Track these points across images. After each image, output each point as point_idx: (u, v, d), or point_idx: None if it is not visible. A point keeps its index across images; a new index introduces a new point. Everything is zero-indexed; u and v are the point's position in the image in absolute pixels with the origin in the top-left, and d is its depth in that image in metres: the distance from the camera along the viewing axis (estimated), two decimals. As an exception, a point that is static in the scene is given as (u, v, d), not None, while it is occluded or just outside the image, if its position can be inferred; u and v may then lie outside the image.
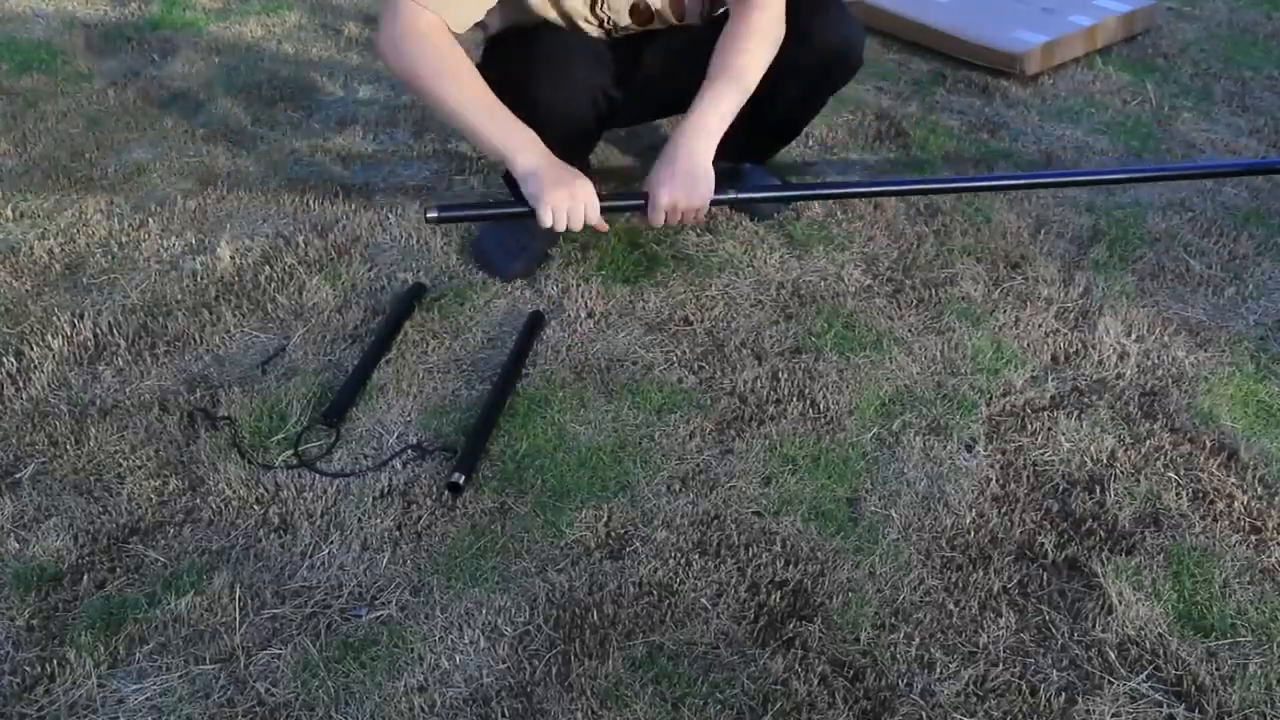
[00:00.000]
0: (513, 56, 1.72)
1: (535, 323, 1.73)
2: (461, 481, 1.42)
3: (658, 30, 1.80)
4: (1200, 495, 1.44)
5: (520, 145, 1.57)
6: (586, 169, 1.99)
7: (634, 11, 1.71)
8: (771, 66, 1.70)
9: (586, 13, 1.72)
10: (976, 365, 1.67)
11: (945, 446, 1.52)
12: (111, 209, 2.06)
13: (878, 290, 1.84)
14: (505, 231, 1.89)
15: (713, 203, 1.67)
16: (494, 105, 1.57)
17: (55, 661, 1.20)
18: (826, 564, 1.34)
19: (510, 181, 1.95)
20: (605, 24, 1.73)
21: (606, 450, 1.50)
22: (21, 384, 1.61)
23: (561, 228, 1.58)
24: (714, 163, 2.04)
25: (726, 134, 1.95)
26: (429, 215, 1.64)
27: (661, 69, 1.77)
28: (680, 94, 1.77)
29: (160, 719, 1.16)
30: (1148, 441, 1.53)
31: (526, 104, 1.69)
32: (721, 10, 1.78)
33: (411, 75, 1.55)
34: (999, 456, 1.51)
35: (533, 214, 1.59)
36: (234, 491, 1.42)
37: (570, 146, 1.87)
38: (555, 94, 1.67)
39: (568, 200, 1.56)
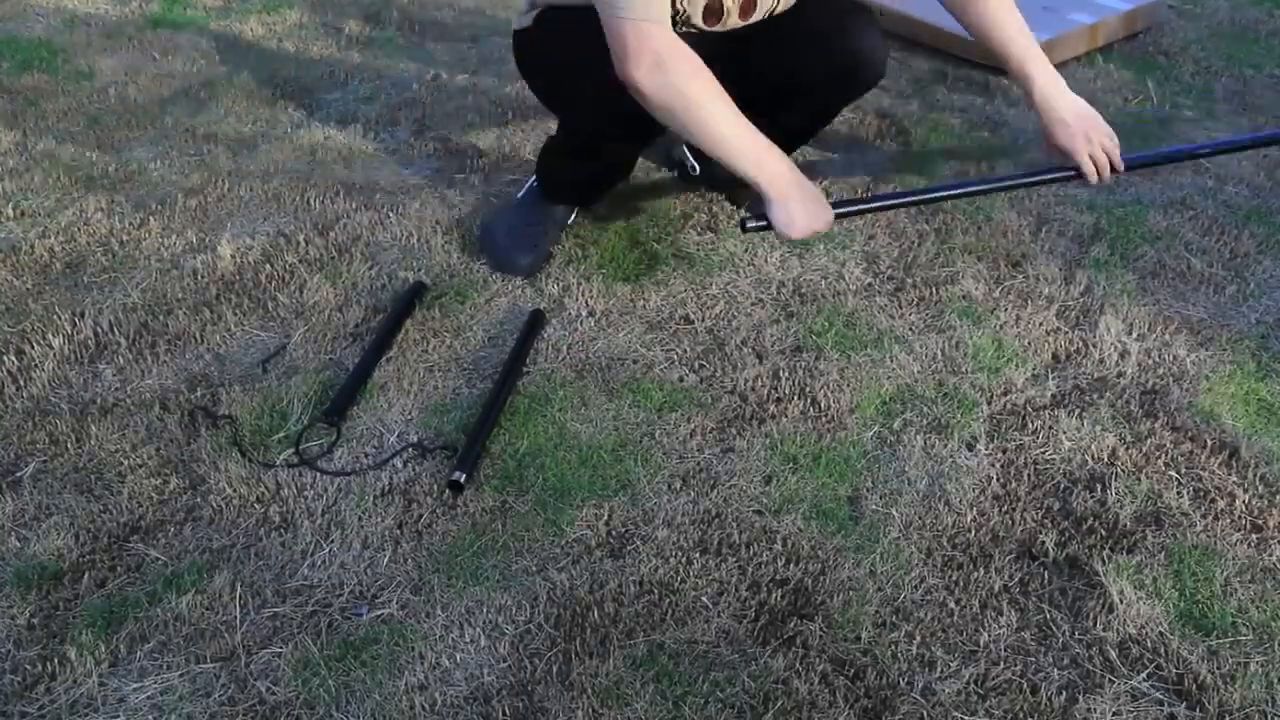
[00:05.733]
0: (569, 44, 1.62)
1: (536, 321, 1.72)
2: (462, 480, 1.42)
3: (714, 33, 1.77)
4: (1201, 494, 1.44)
5: (765, 161, 1.53)
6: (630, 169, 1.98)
7: (707, 11, 1.68)
8: (793, 74, 1.69)
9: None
10: (977, 364, 1.67)
11: (946, 445, 1.52)
12: (112, 207, 2.06)
13: (879, 289, 1.84)
14: (517, 224, 1.88)
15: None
16: (741, 122, 1.52)
17: (56, 660, 1.20)
18: (827, 563, 1.34)
19: (542, 172, 1.93)
20: (679, 21, 1.69)
21: (607, 449, 1.50)
22: (22, 382, 1.61)
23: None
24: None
25: None
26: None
27: (733, 72, 1.74)
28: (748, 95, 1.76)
29: (161, 718, 1.16)
30: (1149, 440, 1.53)
31: (575, 101, 1.64)
32: (783, 8, 1.75)
33: (674, 99, 1.48)
34: (1000, 455, 1.51)
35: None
36: (235, 490, 1.42)
37: (614, 154, 1.84)
38: (612, 94, 1.58)
39: (814, 229, 1.54)
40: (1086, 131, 1.60)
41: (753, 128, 1.54)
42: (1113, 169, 1.63)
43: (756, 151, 1.53)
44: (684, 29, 1.70)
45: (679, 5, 1.66)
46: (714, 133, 1.51)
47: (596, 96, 1.60)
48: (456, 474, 1.42)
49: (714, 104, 1.50)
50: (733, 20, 1.70)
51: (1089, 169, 1.61)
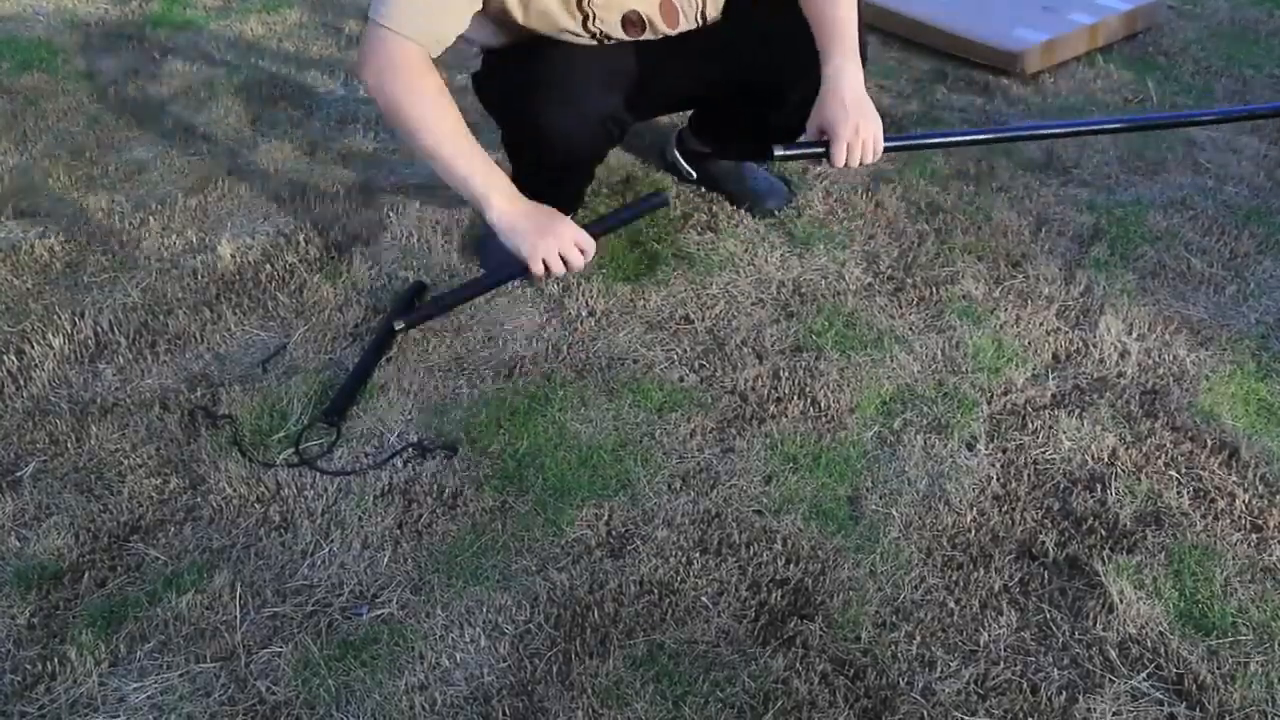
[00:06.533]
0: (516, 76, 1.67)
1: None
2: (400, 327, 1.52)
3: (654, 40, 1.78)
4: (1201, 494, 1.44)
5: (494, 191, 1.53)
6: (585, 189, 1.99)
7: (626, 23, 1.69)
8: (778, 69, 1.70)
9: (578, 28, 1.67)
10: (977, 364, 1.67)
11: (946, 445, 1.52)
12: (112, 207, 2.06)
13: (879, 288, 1.84)
14: None
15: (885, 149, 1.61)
16: (470, 150, 1.53)
17: (56, 660, 1.20)
18: (827, 563, 1.34)
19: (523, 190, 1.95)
20: (597, 37, 1.71)
21: (607, 449, 1.50)
22: (22, 382, 1.61)
23: (558, 272, 1.55)
24: (716, 161, 2.05)
25: (730, 135, 1.93)
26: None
27: (669, 77, 1.75)
28: (683, 98, 1.76)
29: (161, 717, 1.16)
30: (1149, 440, 1.53)
31: (531, 131, 1.65)
32: (714, 14, 1.77)
33: (393, 113, 1.52)
34: (1000, 455, 1.51)
35: (524, 272, 1.56)
36: (235, 490, 1.42)
37: (576, 172, 1.86)
38: (564, 122, 1.64)
39: (555, 245, 1.53)
40: (858, 121, 1.57)
41: (485, 157, 1.54)
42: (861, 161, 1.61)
43: (483, 177, 1.53)
44: (609, 42, 1.71)
45: (591, 27, 1.66)
46: (436, 149, 1.52)
47: (535, 128, 1.65)
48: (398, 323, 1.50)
49: (441, 122, 1.51)
50: (660, 27, 1.70)
51: (839, 151, 1.57)
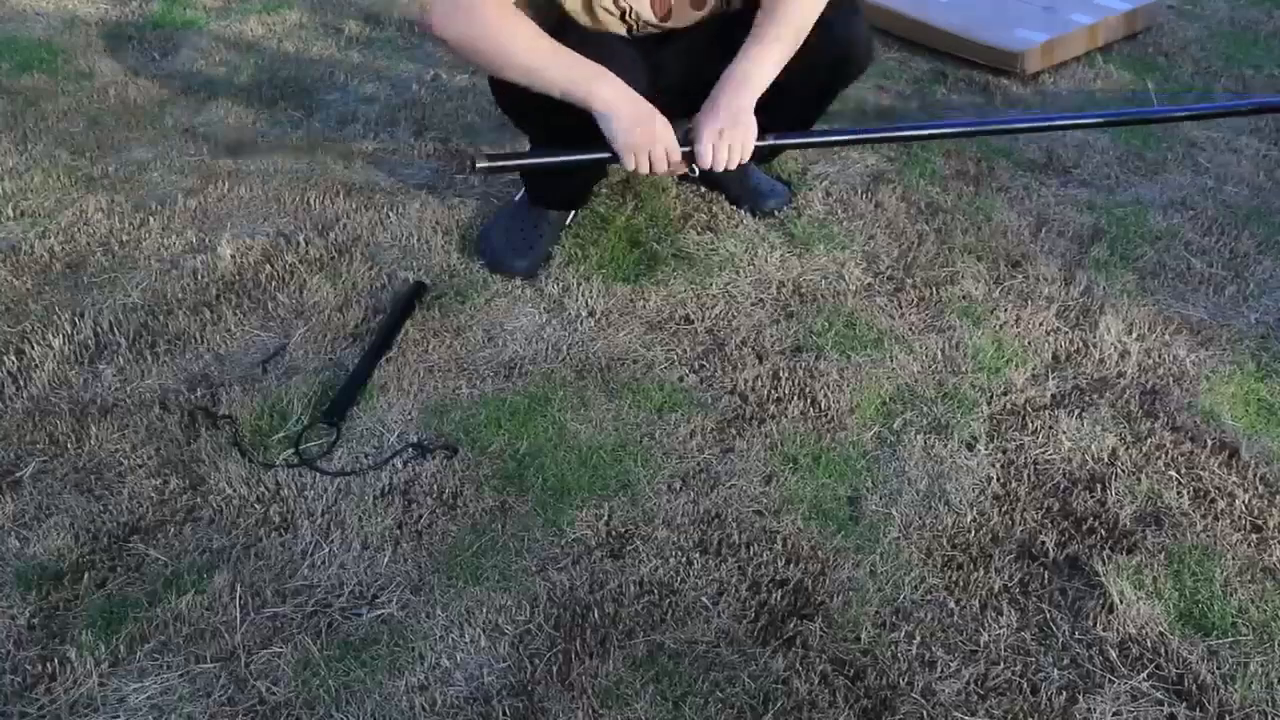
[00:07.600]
0: None
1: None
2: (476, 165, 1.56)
3: (676, 31, 1.79)
4: (1201, 494, 1.44)
5: (596, 84, 1.54)
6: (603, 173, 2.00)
7: (654, 3, 1.70)
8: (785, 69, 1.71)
9: (609, 2, 1.69)
10: (977, 364, 1.67)
11: (946, 445, 1.52)
12: (112, 207, 2.05)
13: (879, 289, 1.84)
14: (513, 228, 1.89)
15: (757, 147, 1.65)
16: (558, 48, 1.54)
17: (56, 660, 1.20)
18: (827, 563, 1.34)
19: (526, 184, 1.95)
20: (627, 15, 1.71)
21: (607, 449, 1.50)
22: (22, 383, 1.61)
23: (644, 171, 1.59)
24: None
25: None
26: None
27: (684, 73, 1.76)
28: (701, 98, 1.77)
29: (161, 718, 1.16)
30: (1149, 440, 1.53)
31: (556, 107, 1.67)
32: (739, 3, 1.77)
33: (470, 45, 1.54)
34: (1000, 455, 1.51)
35: (613, 158, 1.59)
36: (235, 490, 1.42)
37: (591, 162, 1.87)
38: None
39: (649, 144, 1.56)
40: (725, 128, 1.60)
41: (575, 54, 1.55)
42: (713, 173, 1.66)
43: (581, 72, 1.54)
44: (645, 28, 1.72)
45: (623, 3, 1.68)
46: (527, 64, 1.53)
47: (548, 122, 1.64)
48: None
49: (522, 39, 1.52)
50: (684, 8, 1.71)
51: (704, 152, 1.61)
